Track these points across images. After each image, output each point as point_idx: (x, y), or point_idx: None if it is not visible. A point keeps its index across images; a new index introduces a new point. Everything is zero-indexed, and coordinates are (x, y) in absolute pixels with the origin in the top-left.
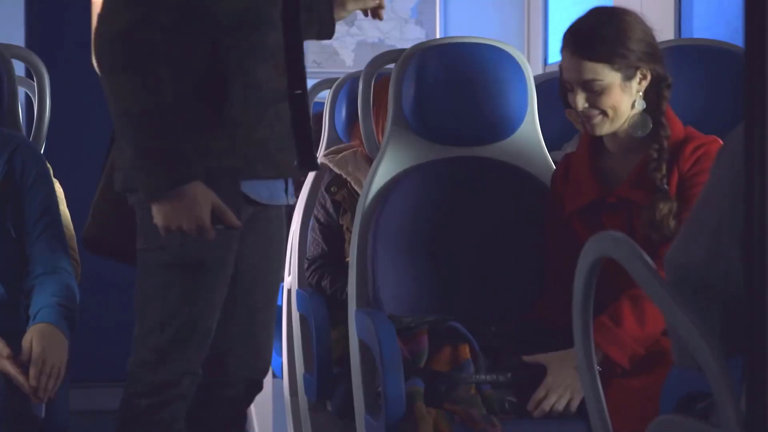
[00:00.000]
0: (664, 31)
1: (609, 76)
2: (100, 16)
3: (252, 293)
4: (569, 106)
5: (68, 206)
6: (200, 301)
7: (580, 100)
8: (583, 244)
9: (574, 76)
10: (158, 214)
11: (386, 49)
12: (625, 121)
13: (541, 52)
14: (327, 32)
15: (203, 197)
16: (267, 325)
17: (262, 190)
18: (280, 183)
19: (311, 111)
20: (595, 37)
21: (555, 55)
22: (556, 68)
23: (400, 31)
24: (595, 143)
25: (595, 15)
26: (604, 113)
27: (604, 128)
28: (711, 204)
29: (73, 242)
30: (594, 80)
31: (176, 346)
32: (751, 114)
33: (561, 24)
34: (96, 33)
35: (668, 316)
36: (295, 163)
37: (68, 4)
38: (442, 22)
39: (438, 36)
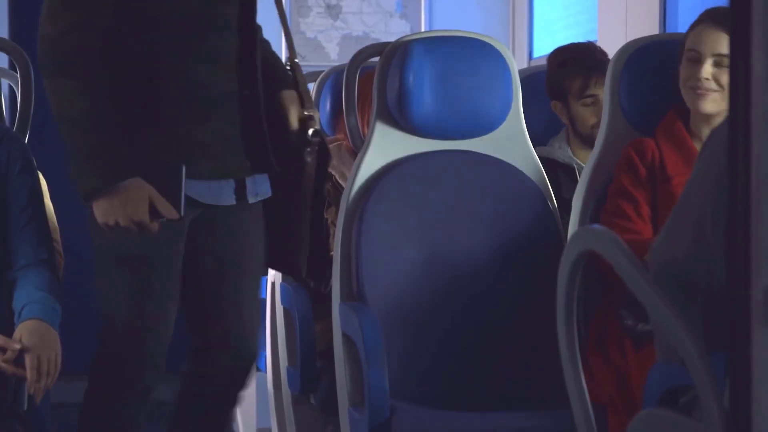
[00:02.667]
0: (648, 26)
1: None
2: (40, 19)
3: (226, 289)
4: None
5: (51, 198)
6: (144, 294)
7: (707, 70)
8: None
9: (708, 46)
10: (96, 212)
11: (371, 42)
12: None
13: (527, 47)
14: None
15: (139, 192)
16: (250, 317)
17: (204, 191)
18: (227, 184)
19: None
20: None
21: (540, 50)
22: (540, 62)
23: (385, 25)
24: (685, 130)
25: None
26: (721, 91)
27: (713, 106)
28: (694, 200)
29: (57, 234)
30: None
31: (127, 340)
32: (735, 110)
33: (546, 18)
34: (38, 37)
35: (652, 311)
36: (248, 165)
37: None
38: (427, 15)
39: (423, 30)
